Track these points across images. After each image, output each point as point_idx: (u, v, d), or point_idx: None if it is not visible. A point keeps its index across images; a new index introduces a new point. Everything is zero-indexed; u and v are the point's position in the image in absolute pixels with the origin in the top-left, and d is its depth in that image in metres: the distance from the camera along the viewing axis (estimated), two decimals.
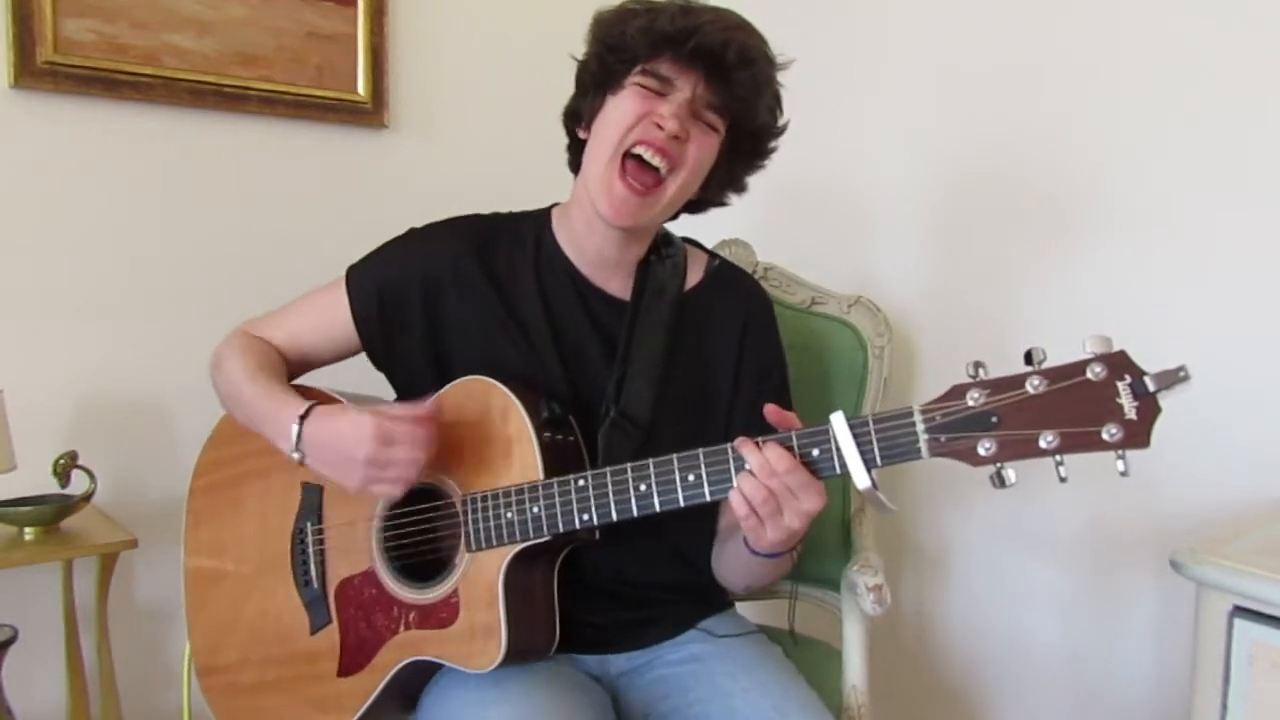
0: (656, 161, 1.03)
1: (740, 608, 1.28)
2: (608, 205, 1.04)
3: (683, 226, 1.22)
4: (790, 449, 0.89)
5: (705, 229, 1.27)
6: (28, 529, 1.48)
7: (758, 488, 0.89)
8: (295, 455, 1.01)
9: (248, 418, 1.09)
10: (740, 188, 1.17)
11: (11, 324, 1.59)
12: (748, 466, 0.89)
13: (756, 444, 0.90)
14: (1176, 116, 1.42)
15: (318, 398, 1.12)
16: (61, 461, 1.52)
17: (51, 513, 1.49)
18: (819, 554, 1.40)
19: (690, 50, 1.01)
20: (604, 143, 1.05)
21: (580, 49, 1.11)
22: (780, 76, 1.10)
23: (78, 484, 1.54)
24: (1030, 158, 1.60)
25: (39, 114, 1.59)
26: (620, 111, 1.04)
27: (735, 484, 0.90)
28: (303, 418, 1.01)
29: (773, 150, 1.15)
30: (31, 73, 1.56)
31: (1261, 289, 1.34)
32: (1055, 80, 1.56)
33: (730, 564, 1.14)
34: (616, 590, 1.12)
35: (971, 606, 1.74)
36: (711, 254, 1.23)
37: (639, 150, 1.03)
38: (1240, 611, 1.03)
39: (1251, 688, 1.02)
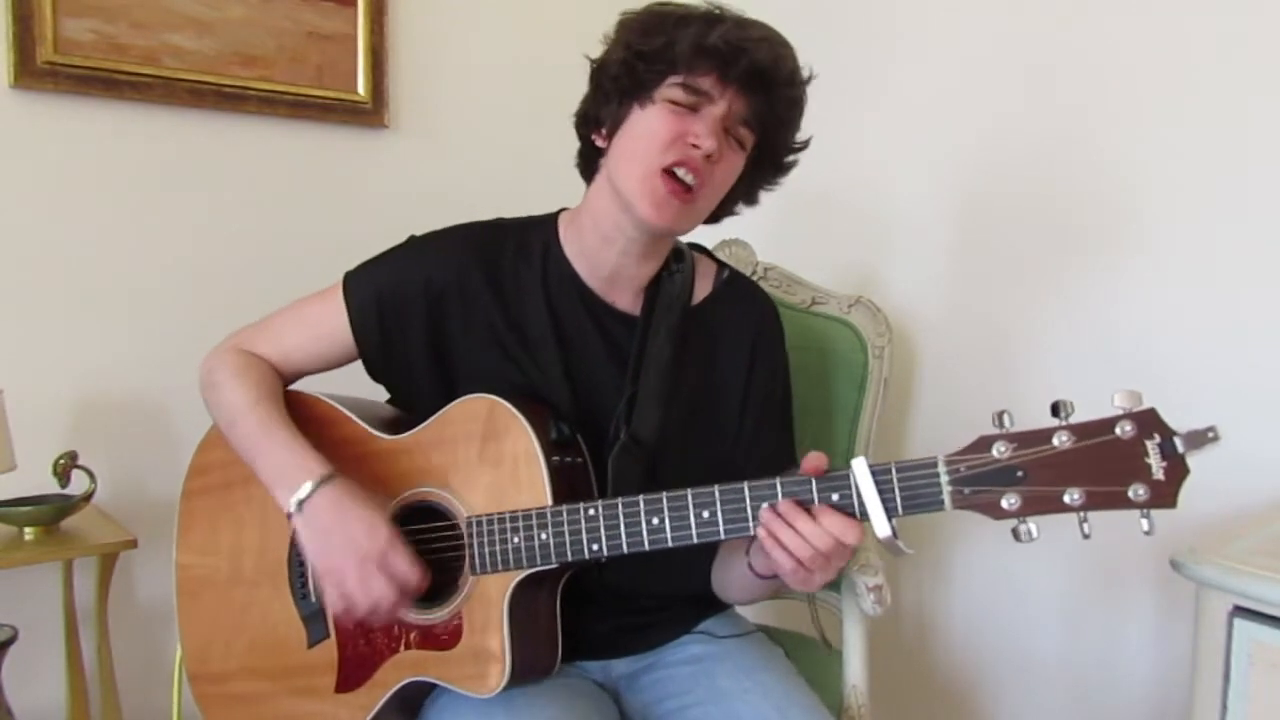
0: (690, 180, 0.99)
1: (740, 608, 1.27)
2: (651, 209, 0.99)
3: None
4: (841, 510, 0.86)
5: (706, 229, 1.26)
6: (28, 529, 1.48)
7: (808, 550, 0.86)
8: (291, 510, 0.97)
9: (246, 454, 1.05)
10: (753, 201, 1.14)
11: (11, 324, 1.59)
12: (799, 529, 0.86)
13: (809, 513, 0.86)
14: (1198, 122, 1.40)
15: (313, 409, 1.11)
16: (61, 461, 1.52)
17: (51, 513, 1.49)
18: None
19: (742, 70, 0.97)
20: (635, 159, 1.00)
21: (582, 48, 1.07)
22: None
23: (78, 484, 1.54)
24: (1037, 160, 1.59)
25: (39, 114, 1.59)
26: (653, 129, 0.99)
27: (786, 547, 0.87)
28: (321, 481, 0.97)
29: (792, 165, 1.12)
30: (31, 73, 1.56)
31: (1262, 291, 1.34)
32: (1065, 82, 1.55)
33: (732, 583, 1.13)
34: (617, 600, 1.11)
35: (971, 606, 1.74)
36: (721, 264, 1.20)
37: (675, 170, 0.99)
38: (1240, 611, 1.03)
39: (1251, 688, 1.02)
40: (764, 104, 1.00)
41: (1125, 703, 1.51)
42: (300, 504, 0.97)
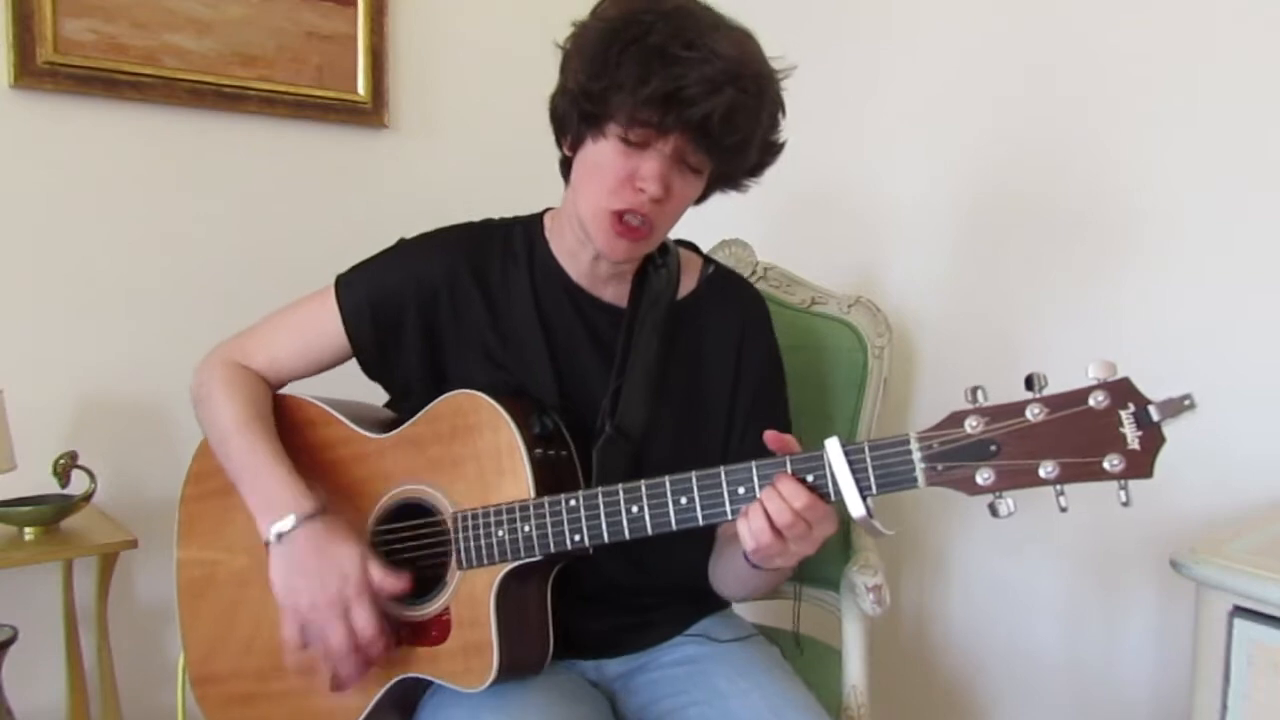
0: (638, 222, 0.99)
1: (738, 608, 1.27)
2: (604, 245, 1.01)
3: (684, 222, 1.18)
4: (802, 482, 0.86)
5: (706, 229, 1.27)
6: (28, 529, 1.48)
7: (767, 529, 0.86)
8: (270, 540, 0.98)
9: (233, 474, 1.05)
10: (739, 189, 1.12)
11: (11, 324, 1.59)
12: (765, 507, 0.86)
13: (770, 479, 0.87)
14: (1199, 120, 1.40)
15: (302, 412, 1.11)
16: (61, 461, 1.52)
17: (51, 513, 1.49)
18: (819, 554, 1.38)
19: (676, 122, 0.94)
20: (588, 192, 1.01)
21: None
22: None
23: (78, 484, 1.54)
24: (1038, 159, 1.59)
25: (39, 114, 1.60)
26: (602, 165, 0.99)
27: (745, 520, 0.87)
28: (306, 518, 0.98)
29: (767, 166, 1.09)
30: (31, 73, 1.56)
31: (1264, 290, 1.34)
32: (1065, 80, 1.55)
33: (728, 575, 1.13)
34: (612, 597, 1.11)
35: (971, 606, 1.74)
36: (707, 259, 1.20)
37: (624, 214, 0.99)
38: (1240, 611, 1.03)
39: (1251, 688, 1.02)
40: (708, 145, 0.97)
41: (1125, 703, 1.51)
42: (280, 536, 0.98)
